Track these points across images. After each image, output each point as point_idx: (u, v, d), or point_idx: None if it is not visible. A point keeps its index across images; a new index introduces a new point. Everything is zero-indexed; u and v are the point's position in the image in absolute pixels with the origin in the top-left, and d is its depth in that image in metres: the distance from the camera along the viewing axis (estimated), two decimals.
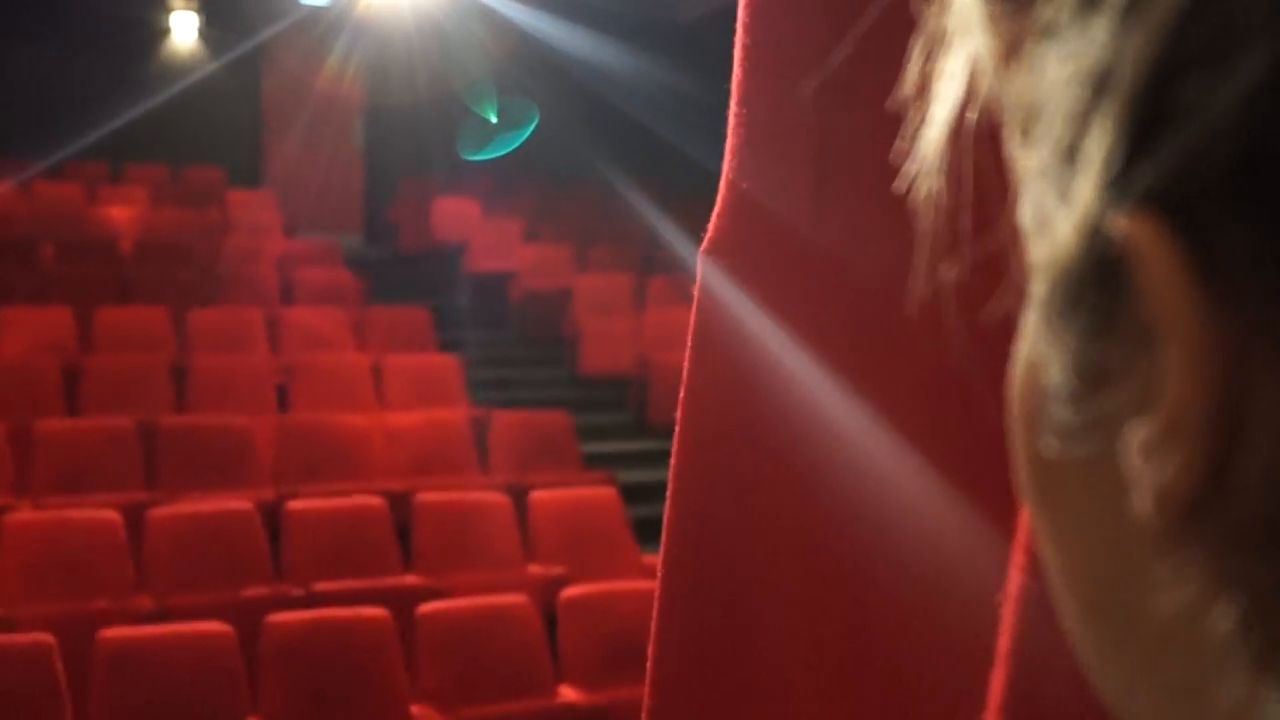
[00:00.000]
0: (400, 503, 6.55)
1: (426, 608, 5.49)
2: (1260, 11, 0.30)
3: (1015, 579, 0.60)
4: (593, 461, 8.26)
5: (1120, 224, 0.33)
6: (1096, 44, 0.34)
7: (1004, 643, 0.63)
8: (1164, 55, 0.32)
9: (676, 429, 1.01)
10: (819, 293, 0.91)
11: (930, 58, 0.45)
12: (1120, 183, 0.33)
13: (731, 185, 0.98)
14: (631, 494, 7.26)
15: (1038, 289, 0.38)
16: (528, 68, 12.27)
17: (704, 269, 1.00)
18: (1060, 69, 0.36)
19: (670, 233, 10.44)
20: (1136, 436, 0.35)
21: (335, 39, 12.81)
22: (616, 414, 9.69)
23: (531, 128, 12.37)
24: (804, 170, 0.93)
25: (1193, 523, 0.34)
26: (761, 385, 0.92)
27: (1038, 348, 0.39)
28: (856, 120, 0.90)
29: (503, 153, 12.75)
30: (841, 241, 0.89)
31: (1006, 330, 0.41)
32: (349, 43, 12.82)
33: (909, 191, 0.45)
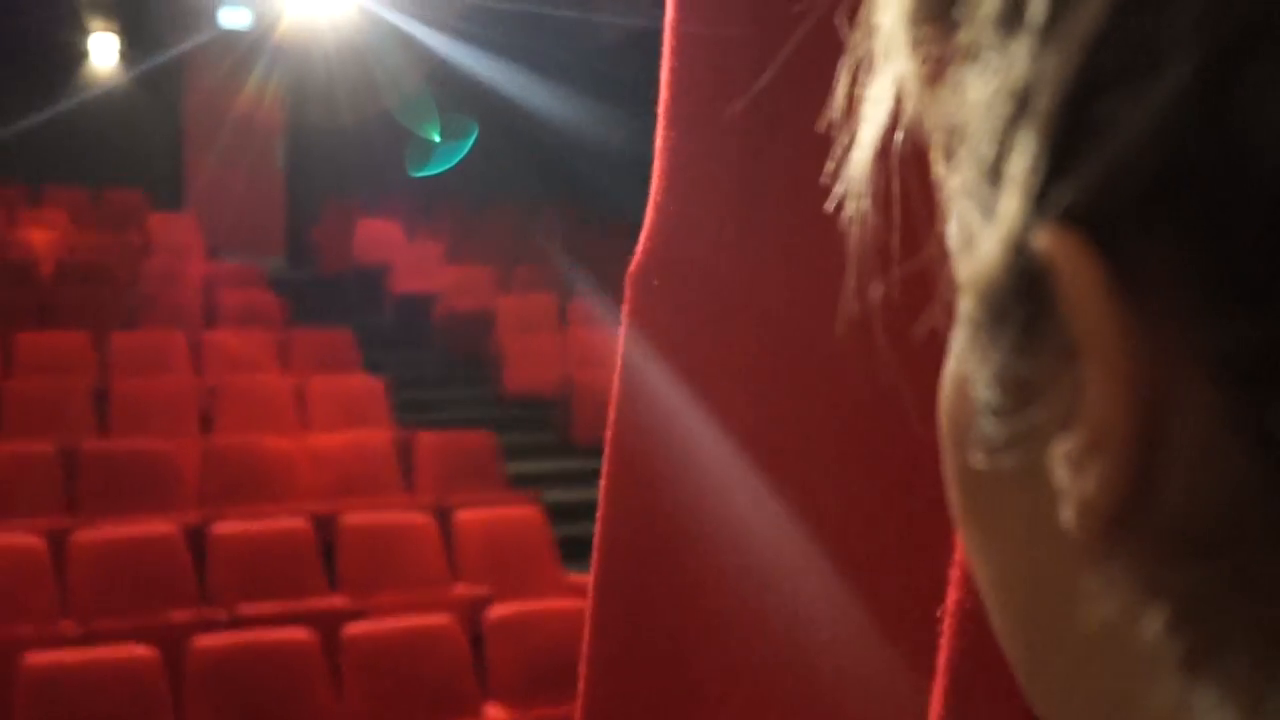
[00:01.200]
0: (325, 524, 6.49)
1: (352, 629, 5.45)
2: (1173, 33, 0.30)
3: (953, 594, 0.61)
4: (517, 481, 8.23)
5: (1042, 241, 0.33)
6: (1016, 64, 0.34)
7: (943, 656, 0.63)
8: (1081, 75, 0.32)
9: (606, 450, 1.01)
10: (744, 316, 0.91)
11: (856, 81, 0.46)
12: (1041, 200, 0.33)
13: (659, 208, 0.99)
14: (556, 513, 7.23)
15: (965, 306, 0.38)
16: (446, 90, 12.22)
17: (630, 292, 1.00)
18: (982, 89, 0.36)
19: (591, 255, 10.43)
20: (1060, 451, 0.35)
21: (256, 61, 12.71)
22: (540, 434, 9.66)
23: (469, 142, 12.31)
24: (729, 194, 0.94)
25: (1117, 535, 0.34)
26: (688, 409, 0.92)
27: (964, 363, 0.39)
28: (781, 144, 0.90)
29: (440, 169, 12.68)
30: (767, 264, 0.90)
31: (937, 348, 0.42)
32: (269, 64, 12.72)
33: (836, 214, 0.45)
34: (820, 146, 0.48)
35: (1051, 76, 0.33)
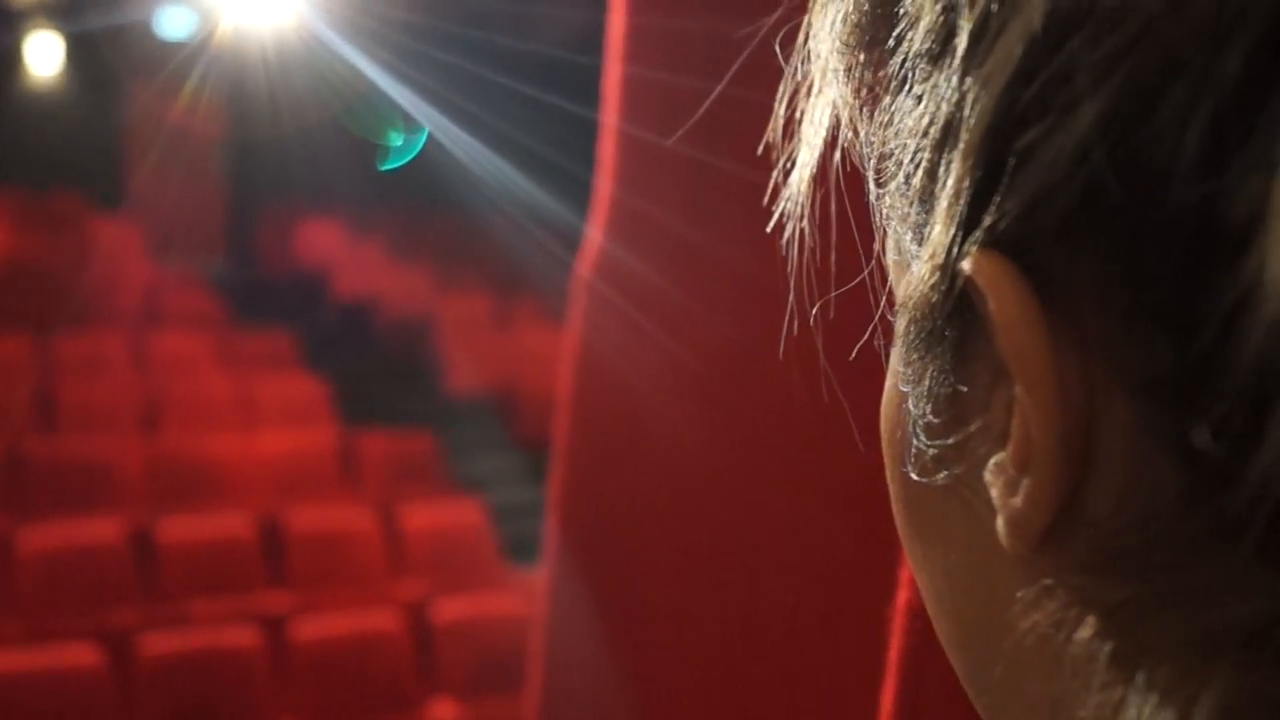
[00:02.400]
0: (269, 527, 6.43)
1: (297, 629, 5.42)
2: (1088, 69, 0.31)
3: (903, 594, 0.63)
4: (460, 481, 8.20)
5: (968, 264, 0.34)
6: (943, 96, 0.35)
7: (893, 655, 0.64)
8: (1002, 109, 0.33)
9: (558, 446, 1.02)
10: (694, 325, 0.92)
11: (793, 103, 0.47)
12: (966, 225, 0.34)
13: (610, 211, 0.99)
14: (499, 513, 7.21)
15: (899, 325, 0.39)
16: (384, 93, 12.13)
17: (583, 288, 1.01)
18: (911, 119, 0.37)
19: (534, 255, 10.39)
20: (990, 468, 0.36)
21: (197, 64, 12.58)
22: (483, 434, 9.63)
23: (420, 143, 12.20)
24: (681, 202, 0.95)
25: (1047, 548, 0.35)
26: (644, 403, 0.94)
27: (900, 381, 0.40)
28: (731, 155, 0.91)
29: (392, 168, 12.55)
30: (719, 274, 0.91)
31: (877, 367, 0.43)
32: (210, 68, 12.60)
33: (779, 230, 0.47)
34: (763, 170, 0.49)
35: (975, 109, 0.34)
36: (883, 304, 0.43)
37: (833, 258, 0.47)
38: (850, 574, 0.83)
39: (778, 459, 0.88)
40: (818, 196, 0.46)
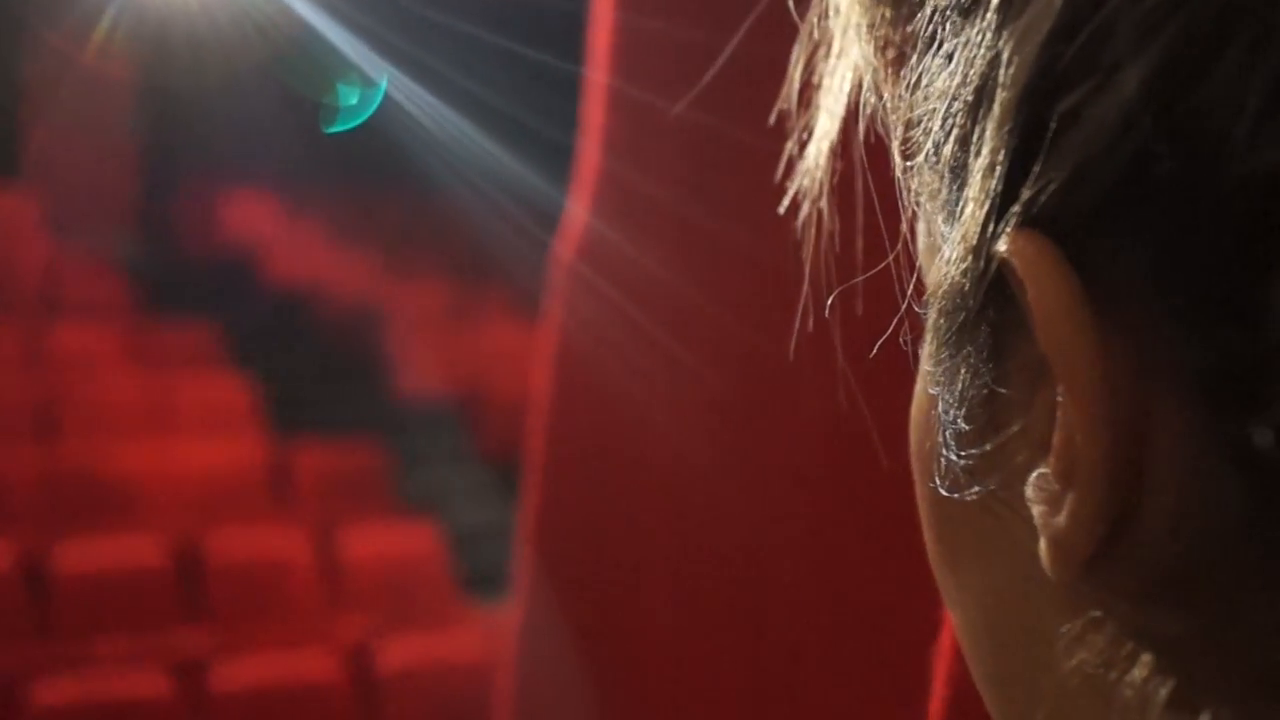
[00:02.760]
0: (186, 554, 6.42)
1: (218, 675, 5.41)
2: (1137, 21, 0.31)
3: (947, 637, 0.62)
4: (412, 500, 8.20)
5: (1004, 245, 0.34)
6: (975, 54, 0.36)
7: (936, 706, 0.64)
8: (1041, 68, 0.33)
9: (532, 461, 1.02)
10: (703, 301, 0.92)
11: (811, 67, 0.47)
12: (1002, 201, 0.34)
13: (600, 175, 0.99)
14: (458, 539, 7.22)
15: (930, 318, 0.39)
16: (329, 42, 12.12)
17: (564, 274, 1.01)
18: (941, 80, 0.38)
19: (502, 236, 10.38)
20: (1032, 482, 0.36)
21: (108, 13, 12.57)
22: (440, 446, 9.62)
23: (376, 101, 12.19)
24: (685, 162, 0.95)
25: (1094, 575, 0.35)
26: (637, 411, 0.93)
27: (930, 383, 0.40)
28: (734, 132, 0.91)
29: (340, 130, 12.54)
30: (719, 263, 0.91)
31: (902, 365, 0.43)
32: (124, 11, 12.59)
33: (794, 210, 0.46)
34: (776, 140, 0.49)
35: (1011, 68, 0.34)
36: (909, 294, 0.43)
37: (859, 243, 0.47)
38: (881, 613, 0.83)
39: (794, 477, 0.88)
40: (838, 172, 0.46)
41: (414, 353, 10.24)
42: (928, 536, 0.43)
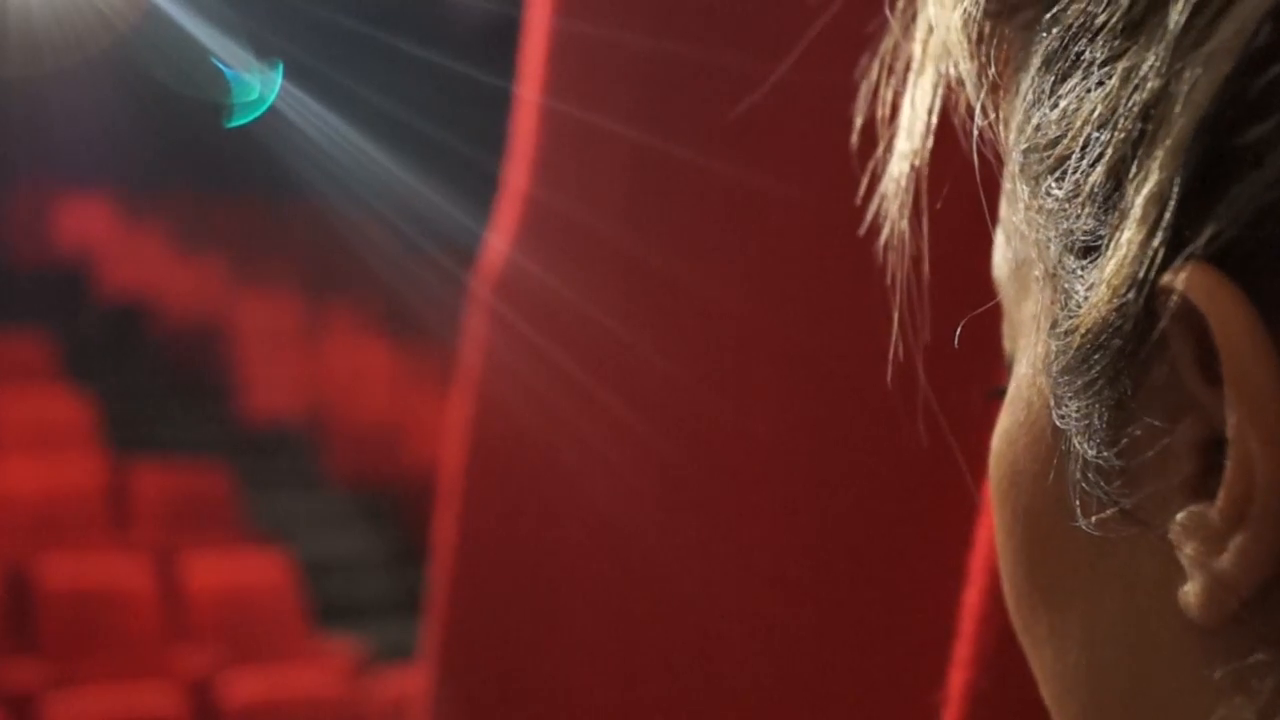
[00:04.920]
0: (15, 581, 6.34)
1: (52, 708, 5.35)
2: None
3: (960, 675, 0.61)
4: (258, 527, 8.14)
5: (1175, 280, 0.34)
6: (1142, 78, 0.35)
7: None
8: (1226, 96, 0.33)
9: (447, 506, 0.99)
10: (644, 344, 0.90)
11: (885, 81, 0.46)
12: (1174, 235, 0.34)
13: (528, 198, 0.97)
14: (308, 568, 7.20)
15: (1051, 352, 0.39)
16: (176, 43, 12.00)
17: (483, 311, 0.99)
18: (1086, 104, 0.37)
19: (356, 247, 10.32)
20: (1183, 520, 0.35)
21: None
22: (288, 470, 9.55)
23: (273, 93, 12.03)
24: (618, 184, 0.92)
25: (1250, 616, 0.34)
26: (573, 464, 0.91)
27: (1054, 415, 0.40)
28: (673, 140, 0.89)
29: (250, 120, 12.37)
30: (671, 270, 0.89)
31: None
32: None
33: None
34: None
35: (1191, 97, 0.34)
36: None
37: (926, 265, 0.46)
38: (829, 697, 0.81)
39: (745, 532, 0.86)
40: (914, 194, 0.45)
41: (261, 369, 10.16)
42: (1016, 575, 0.43)
